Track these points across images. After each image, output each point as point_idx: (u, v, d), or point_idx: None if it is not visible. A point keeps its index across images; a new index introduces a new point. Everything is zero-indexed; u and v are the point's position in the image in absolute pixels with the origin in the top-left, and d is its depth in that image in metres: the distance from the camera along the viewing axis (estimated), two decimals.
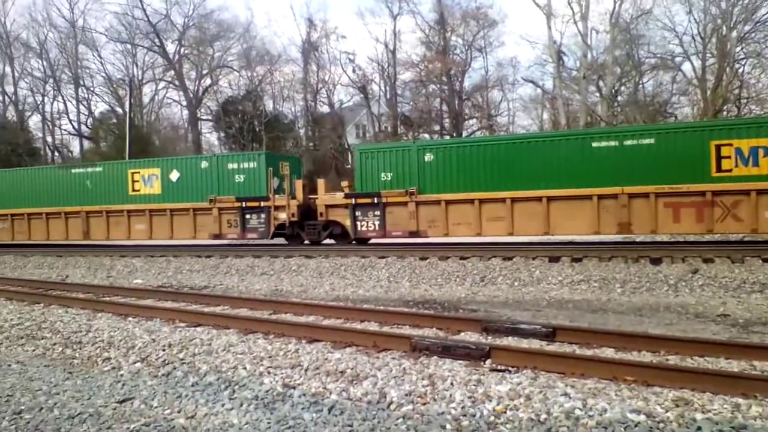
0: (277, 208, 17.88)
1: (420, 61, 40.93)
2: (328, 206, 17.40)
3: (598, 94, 37.09)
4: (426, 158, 16.29)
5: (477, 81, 41.95)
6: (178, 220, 19.29)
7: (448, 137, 36.99)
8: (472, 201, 15.59)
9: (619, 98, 37.78)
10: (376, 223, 16.71)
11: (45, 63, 48.01)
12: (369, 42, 64.41)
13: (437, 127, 41.36)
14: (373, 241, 18.24)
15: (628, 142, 14.36)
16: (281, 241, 18.95)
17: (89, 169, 21.46)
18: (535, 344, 6.45)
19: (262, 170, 18.28)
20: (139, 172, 20.23)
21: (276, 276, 13.58)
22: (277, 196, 17.91)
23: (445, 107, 41.74)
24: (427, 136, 40.16)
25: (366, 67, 42.63)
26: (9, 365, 6.47)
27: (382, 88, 43.06)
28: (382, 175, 16.81)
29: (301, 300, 10.20)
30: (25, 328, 8.20)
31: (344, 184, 17.81)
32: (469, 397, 4.73)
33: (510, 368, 5.47)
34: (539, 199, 14.92)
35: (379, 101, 43.28)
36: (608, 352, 6.05)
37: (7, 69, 48.53)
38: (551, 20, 35.34)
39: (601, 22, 36.01)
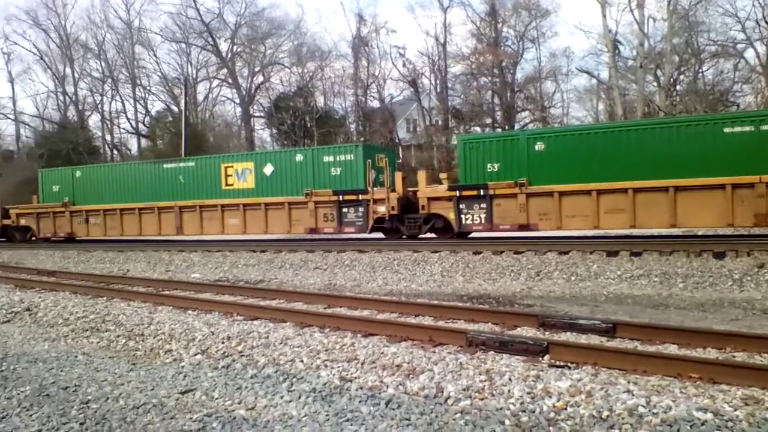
0: (375, 201, 17.49)
1: (471, 54, 40.59)
2: (430, 199, 16.84)
3: (655, 84, 36.09)
4: (536, 147, 15.56)
5: (529, 72, 41.38)
6: (273, 214, 19.05)
7: (499, 130, 36.58)
8: (588, 192, 14.75)
9: (677, 87, 36.68)
10: (482, 216, 16.04)
11: (103, 64, 49.54)
12: (419, 36, 64.17)
13: (489, 120, 40.95)
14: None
15: (766, 127, 13.39)
16: (337, 235, 19.02)
17: (181, 164, 21.51)
18: (594, 340, 6.32)
19: (359, 162, 17.98)
20: (232, 167, 20.11)
21: (329, 270, 13.69)
22: (375, 189, 17.52)
23: (496, 100, 41.30)
24: (478, 129, 39.84)
25: (416, 61, 42.57)
26: (75, 356, 6.68)
27: (433, 81, 42.91)
28: (488, 165, 16.10)
29: (355, 294, 10.24)
30: (89, 320, 8.46)
31: (443, 176, 17.34)
32: (528, 393, 4.66)
33: (569, 364, 5.37)
34: (665, 189, 14.02)
35: (429, 95, 43.12)
36: (671, 349, 5.89)
37: (68, 70, 50.34)
38: (606, 9, 34.50)
39: (658, 10, 34.98)
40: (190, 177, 20.90)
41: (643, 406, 4.25)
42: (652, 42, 35.67)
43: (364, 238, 18.58)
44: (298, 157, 19.01)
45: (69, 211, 23.06)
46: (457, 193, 16.33)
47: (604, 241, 14.70)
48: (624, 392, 4.53)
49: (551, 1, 40.37)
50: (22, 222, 24.42)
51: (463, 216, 16.31)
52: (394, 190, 17.40)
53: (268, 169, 19.40)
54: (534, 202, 15.44)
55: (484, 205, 16.01)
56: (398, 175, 17.77)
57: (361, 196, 17.67)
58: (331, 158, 18.48)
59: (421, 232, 17.15)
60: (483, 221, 16.10)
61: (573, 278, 11.34)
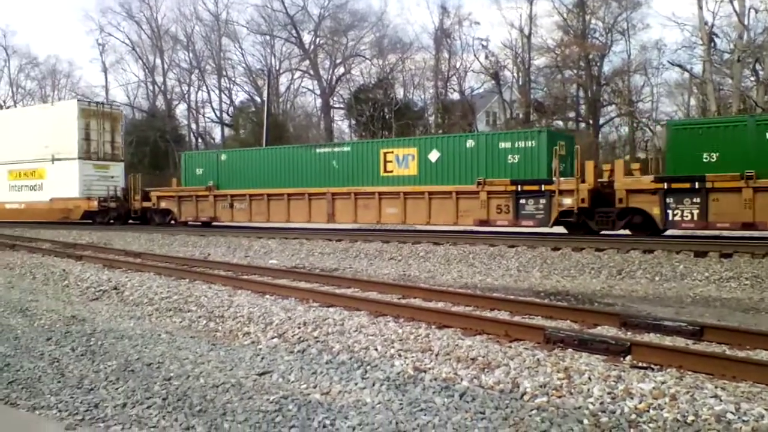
0: (561, 192, 15.84)
1: (556, 46, 39.64)
2: (629, 191, 15.06)
3: (753, 79, 34.23)
4: None
5: (617, 65, 39.94)
6: (438, 203, 17.79)
7: (583, 125, 35.61)
8: None
9: None
10: (694, 212, 14.30)
11: (191, 55, 51.33)
12: (502, 27, 63.18)
13: (572, 114, 39.94)
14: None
15: None
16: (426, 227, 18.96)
17: (336, 149, 20.82)
18: (680, 342, 6.05)
19: (542, 150, 16.54)
20: (392, 152, 19.13)
21: (404, 261, 13.69)
22: (561, 179, 15.93)
23: (581, 93, 40.21)
24: (561, 123, 38.89)
25: (499, 53, 41.92)
26: (159, 335, 6.93)
27: (515, 74, 42.19)
28: (705, 155, 14.29)
29: (429, 286, 10.20)
30: (173, 301, 8.76)
31: (635, 166, 16.07)
32: (608, 393, 4.50)
33: (653, 366, 5.16)
34: None
35: (511, 88, 42.45)
36: (763, 355, 5.57)
37: (158, 61, 52.44)
38: (703, 0, 32.95)
39: (761, 0, 32.95)
40: (344, 162, 19.97)
41: (732, 413, 4.03)
42: (752, 34, 33.83)
43: (442, 230, 18.48)
44: (469, 143, 17.77)
45: (213, 195, 22.56)
46: (665, 186, 14.60)
47: (692, 240, 14.07)
48: (711, 397, 4.31)
49: None
50: (163, 205, 24.18)
51: (670, 211, 14.60)
52: (584, 181, 15.66)
53: (434, 156, 18.24)
54: (763, 197, 13.63)
55: (697, 200, 14.25)
56: (589, 164, 16.06)
57: (543, 187, 16.16)
58: (509, 144, 17.13)
59: (614, 228, 15.59)
60: (695, 218, 14.39)
61: (657, 278, 10.91)
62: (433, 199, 17.95)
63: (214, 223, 23.16)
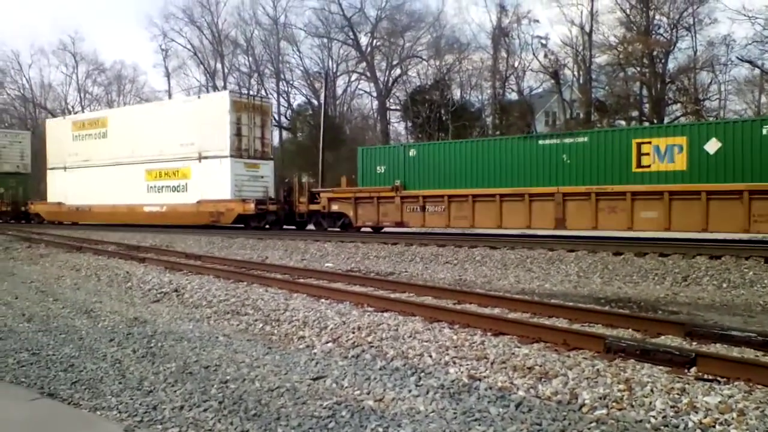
0: None
1: (618, 43, 38.58)
2: None
3: None
4: None
5: (683, 62, 38.60)
6: (719, 206, 14.44)
7: (647, 123, 34.60)
8: None
9: None
10: None
11: (251, 59, 52.29)
12: (562, 25, 62.06)
13: (635, 113, 38.87)
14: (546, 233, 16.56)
15: None
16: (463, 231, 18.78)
17: (567, 140, 17.64)
18: (749, 354, 5.78)
19: None
20: (649, 142, 16.06)
21: (459, 265, 13.56)
22: None
23: (644, 91, 39.09)
24: (623, 122, 37.89)
25: (558, 51, 41.16)
26: (217, 337, 7.04)
27: (575, 73, 41.36)
28: None
29: (485, 291, 10.06)
30: (230, 304, 8.91)
31: None
32: (672, 407, 4.33)
33: (719, 378, 4.94)
34: None
35: (571, 87, 41.63)
36: None
37: (218, 65, 53.61)
38: None
39: None
40: (578, 155, 17.06)
41: None
42: None
43: (499, 234, 18.25)
44: (766, 130, 14.51)
45: (400, 196, 19.61)
46: None
47: (762, 246, 13.47)
48: None
49: None
50: (335, 208, 21.34)
51: None
52: None
53: (712, 146, 15.14)
54: None
55: None
56: None
57: None
58: None
59: None
60: None
61: (725, 285, 10.47)
62: (713, 200, 14.57)
63: (400, 229, 20.37)
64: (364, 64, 48.22)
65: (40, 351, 6.57)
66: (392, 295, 9.26)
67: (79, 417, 4.65)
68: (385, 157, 20.94)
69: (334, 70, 49.72)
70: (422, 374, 5.31)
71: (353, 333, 6.83)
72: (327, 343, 6.63)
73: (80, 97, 60.15)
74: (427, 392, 4.86)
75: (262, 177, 25.15)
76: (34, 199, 34.63)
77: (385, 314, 7.79)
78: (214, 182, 24.24)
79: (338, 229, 21.40)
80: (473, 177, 18.76)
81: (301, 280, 10.90)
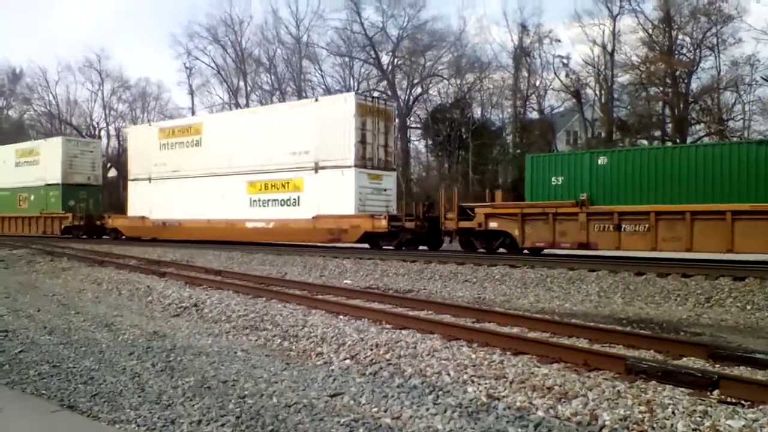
0: None
1: (641, 63, 38.44)
2: None
3: None
4: None
5: (706, 82, 38.30)
6: None
7: (669, 143, 34.33)
8: None
9: None
10: None
11: (273, 77, 52.83)
12: (584, 45, 62.15)
13: (658, 133, 38.60)
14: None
15: None
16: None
17: None
18: None
19: None
20: None
21: (479, 284, 13.48)
22: None
23: (667, 111, 38.84)
24: (645, 142, 37.63)
25: (580, 70, 41.11)
26: (235, 353, 7.06)
27: (597, 92, 41.24)
28: None
29: (504, 310, 9.99)
30: (249, 319, 8.93)
31: None
32: (694, 430, 4.27)
33: (743, 402, 4.85)
34: None
35: (593, 106, 41.49)
36: None
37: (241, 83, 54.21)
38: None
39: None
40: None
41: None
42: None
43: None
44: None
45: (586, 212, 16.37)
46: None
47: None
48: None
49: (736, 6, 36.78)
50: (493, 225, 18.14)
51: None
52: None
53: None
54: None
55: None
56: None
57: None
58: None
59: None
60: None
61: (749, 307, 10.30)
62: None
63: (580, 252, 17.23)
64: (385, 82, 48.47)
65: (61, 363, 6.63)
66: (411, 313, 9.23)
67: (98, 429, 4.68)
68: (563, 166, 17.74)
69: (356, 89, 50.06)
70: (440, 392, 5.27)
71: (371, 350, 6.81)
72: (345, 359, 6.61)
73: (105, 113, 61.02)
74: (445, 411, 4.82)
75: (385, 190, 22.28)
76: (108, 213, 31.99)
77: (404, 332, 7.76)
78: (334, 195, 21.38)
79: (502, 251, 18.31)
80: (689, 190, 15.61)
81: (320, 297, 10.90)
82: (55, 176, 32.92)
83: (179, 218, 26.45)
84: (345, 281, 14.43)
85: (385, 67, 48.13)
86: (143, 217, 28.24)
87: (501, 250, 18.38)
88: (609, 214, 16.11)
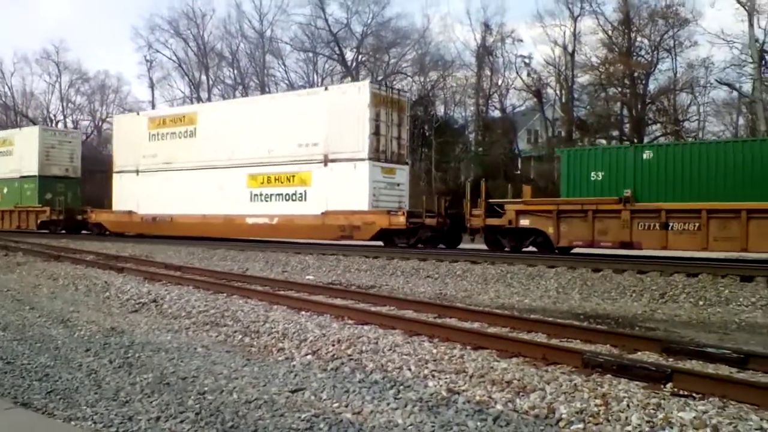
0: None
1: (600, 64, 39.18)
2: None
3: None
4: None
5: (663, 83, 39.26)
6: None
7: (627, 143, 35.03)
8: None
9: None
10: None
11: (236, 71, 52.34)
12: (546, 45, 62.92)
13: (616, 133, 39.37)
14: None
15: None
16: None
17: None
18: (723, 370, 5.85)
19: None
20: None
21: (440, 280, 13.59)
22: None
23: (625, 111, 39.65)
24: (603, 141, 38.35)
25: (541, 70, 41.68)
26: (195, 349, 6.99)
27: (558, 92, 41.87)
28: None
29: (465, 305, 10.10)
30: (210, 315, 8.85)
31: None
32: (647, 422, 4.37)
33: (694, 394, 5.00)
34: None
35: (553, 106, 42.11)
36: None
37: (203, 77, 53.57)
38: (754, 17, 32.23)
39: None
40: None
41: None
42: None
43: (479, 249, 18.26)
44: None
45: (630, 209, 15.47)
46: None
47: (738, 264, 13.67)
48: (756, 429, 4.16)
49: (691, 10, 37.78)
50: (524, 223, 17.16)
51: None
52: None
53: None
54: None
55: None
56: None
57: None
58: None
59: None
60: None
61: (701, 303, 10.60)
62: None
63: (622, 252, 16.24)
64: (349, 78, 48.36)
65: (15, 360, 6.48)
66: (373, 308, 9.26)
67: (54, 427, 4.59)
68: (603, 160, 16.88)
69: (320, 84, 49.86)
70: (401, 387, 5.31)
71: (333, 345, 6.82)
72: (306, 355, 6.61)
73: (63, 106, 59.70)
74: (406, 405, 4.85)
75: (398, 185, 21.11)
76: (88, 206, 29.91)
77: (366, 327, 7.78)
78: (346, 190, 20.18)
79: (532, 250, 17.41)
80: (744, 186, 14.83)
81: (282, 292, 10.85)
82: (31, 168, 31.24)
83: (171, 213, 25.03)
84: (307, 277, 14.40)
85: (349, 63, 48.06)
86: (130, 212, 26.74)
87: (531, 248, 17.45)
88: (655, 212, 15.29)
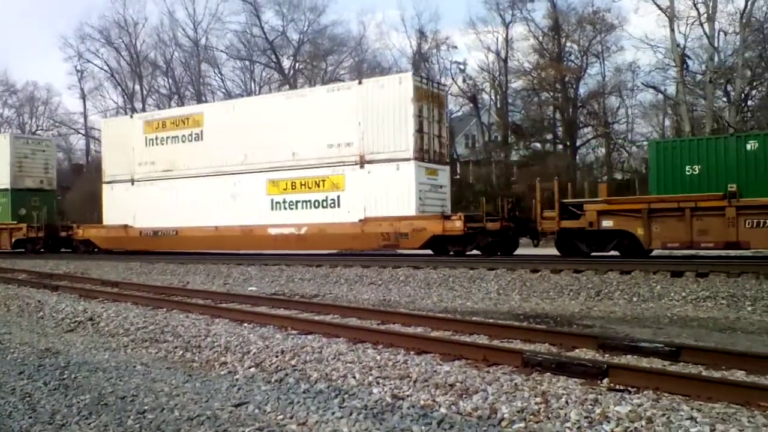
0: None
1: (532, 69, 40.20)
2: None
3: (725, 99, 34.95)
4: None
5: (593, 87, 40.59)
6: None
7: (560, 146, 36.01)
8: None
9: (749, 103, 35.44)
10: None
11: (170, 81, 51.44)
12: (479, 51, 64.07)
13: (549, 136, 40.39)
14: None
15: None
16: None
17: None
18: (657, 364, 6.08)
19: None
20: None
21: (384, 286, 13.66)
22: None
23: (558, 115, 40.74)
24: (538, 145, 39.30)
25: (476, 76, 42.41)
26: (134, 366, 6.83)
27: (493, 97, 42.68)
28: None
29: (409, 311, 10.17)
30: (149, 331, 8.65)
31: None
32: (586, 417, 4.50)
33: (629, 388, 5.17)
34: None
35: (489, 110, 42.86)
36: (739, 375, 5.61)
37: (137, 87, 52.43)
38: (675, 23, 33.66)
39: (730, 23, 33.86)
40: None
41: None
42: (723, 56, 34.63)
43: (419, 254, 18.42)
44: None
45: (736, 206, 14.07)
46: None
47: (668, 261, 14.21)
48: (687, 419, 4.33)
49: (617, 16, 39.32)
50: (607, 224, 15.47)
51: None
52: None
53: None
54: None
55: None
56: None
57: None
58: None
59: None
60: None
61: (635, 299, 10.99)
62: None
63: (724, 252, 15.32)
64: (286, 86, 48.14)
65: None
66: (316, 318, 9.24)
67: None
68: (700, 152, 15.37)
69: (257, 93, 49.42)
70: (346, 396, 5.31)
71: (277, 357, 6.77)
72: (250, 368, 6.54)
73: None
74: (351, 413, 4.86)
75: (440, 187, 19.39)
76: (67, 221, 27.61)
77: (309, 337, 7.75)
78: (387, 194, 18.44)
79: (614, 254, 15.95)
80: None
81: (224, 305, 10.70)
82: (2, 180, 28.24)
83: (176, 226, 22.66)
84: (250, 288, 14.24)
85: (286, 71, 47.90)
86: (126, 226, 24.16)
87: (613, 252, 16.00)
88: (765, 208, 13.93)
